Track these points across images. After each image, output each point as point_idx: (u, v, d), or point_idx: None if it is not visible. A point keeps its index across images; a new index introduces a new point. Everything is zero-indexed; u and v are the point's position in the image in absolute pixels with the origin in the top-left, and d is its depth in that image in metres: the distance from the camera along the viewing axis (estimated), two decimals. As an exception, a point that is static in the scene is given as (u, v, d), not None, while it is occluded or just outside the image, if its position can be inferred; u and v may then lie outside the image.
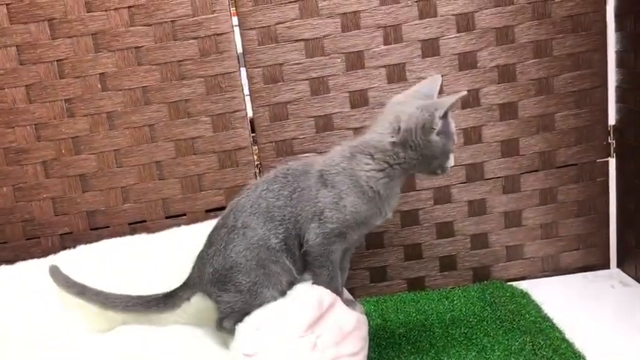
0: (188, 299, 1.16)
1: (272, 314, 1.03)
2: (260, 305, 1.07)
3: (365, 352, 1.11)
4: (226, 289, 1.08)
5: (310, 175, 1.09)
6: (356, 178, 1.06)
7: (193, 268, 1.16)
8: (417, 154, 1.05)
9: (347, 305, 1.11)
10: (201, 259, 1.13)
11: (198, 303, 1.19)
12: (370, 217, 1.08)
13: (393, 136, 1.05)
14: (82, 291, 1.22)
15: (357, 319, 1.10)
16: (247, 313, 1.06)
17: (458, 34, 1.44)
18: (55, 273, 1.27)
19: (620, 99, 1.49)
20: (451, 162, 1.09)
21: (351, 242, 1.12)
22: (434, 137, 1.03)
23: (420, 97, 1.09)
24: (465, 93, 1.06)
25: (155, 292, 1.18)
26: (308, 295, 1.05)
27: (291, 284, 1.10)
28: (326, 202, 1.05)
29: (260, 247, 1.07)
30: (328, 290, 1.07)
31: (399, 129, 1.04)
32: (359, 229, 1.09)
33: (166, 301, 1.15)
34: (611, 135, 1.51)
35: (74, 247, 1.41)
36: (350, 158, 1.08)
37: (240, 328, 1.03)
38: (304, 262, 1.10)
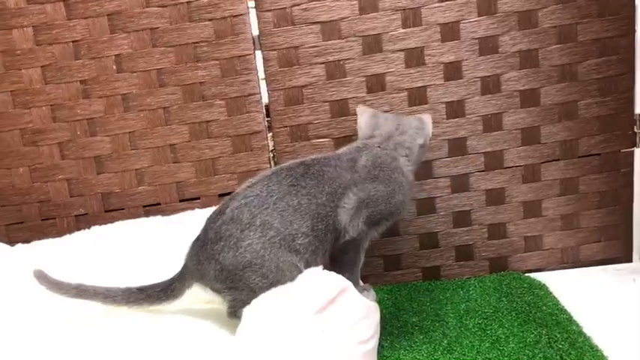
0: (189, 287, 1.12)
1: (281, 297, 1.02)
2: None
3: (376, 340, 1.09)
4: (237, 287, 1.05)
5: (354, 170, 1.14)
6: (406, 176, 1.19)
7: (190, 257, 1.10)
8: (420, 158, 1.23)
9: (360, 292, 1.10)
10: (203, 251, 1.06)
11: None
12: (405, 209, 1.21)
13: (420, 139, 1.21)
14: (78, 292, 1.13)
15: (368, 307, 1.08)
16: None
17: (479, 18, 1.40)
18: (43, 278, 1.14)
19: (647, 87, 1.44)
20: None
21: (380, 231, 1.19)
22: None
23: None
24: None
25: (154, 282, 1.13)
26: (318, 279, 1.04)
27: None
28: (382, 195, 1.14)
29: (281, 248, 1.04)
30: (340, 276, 1.05)
31: (423, 133, 1.22)
32: (393, 219, 1.20)
33: (166, 292, 1.12)
34: (637, 124, 1.46)
35: (89, 228, 1.42)
36: (395, 158, 1.19)
37: (248, 311, 1.02)
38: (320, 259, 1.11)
